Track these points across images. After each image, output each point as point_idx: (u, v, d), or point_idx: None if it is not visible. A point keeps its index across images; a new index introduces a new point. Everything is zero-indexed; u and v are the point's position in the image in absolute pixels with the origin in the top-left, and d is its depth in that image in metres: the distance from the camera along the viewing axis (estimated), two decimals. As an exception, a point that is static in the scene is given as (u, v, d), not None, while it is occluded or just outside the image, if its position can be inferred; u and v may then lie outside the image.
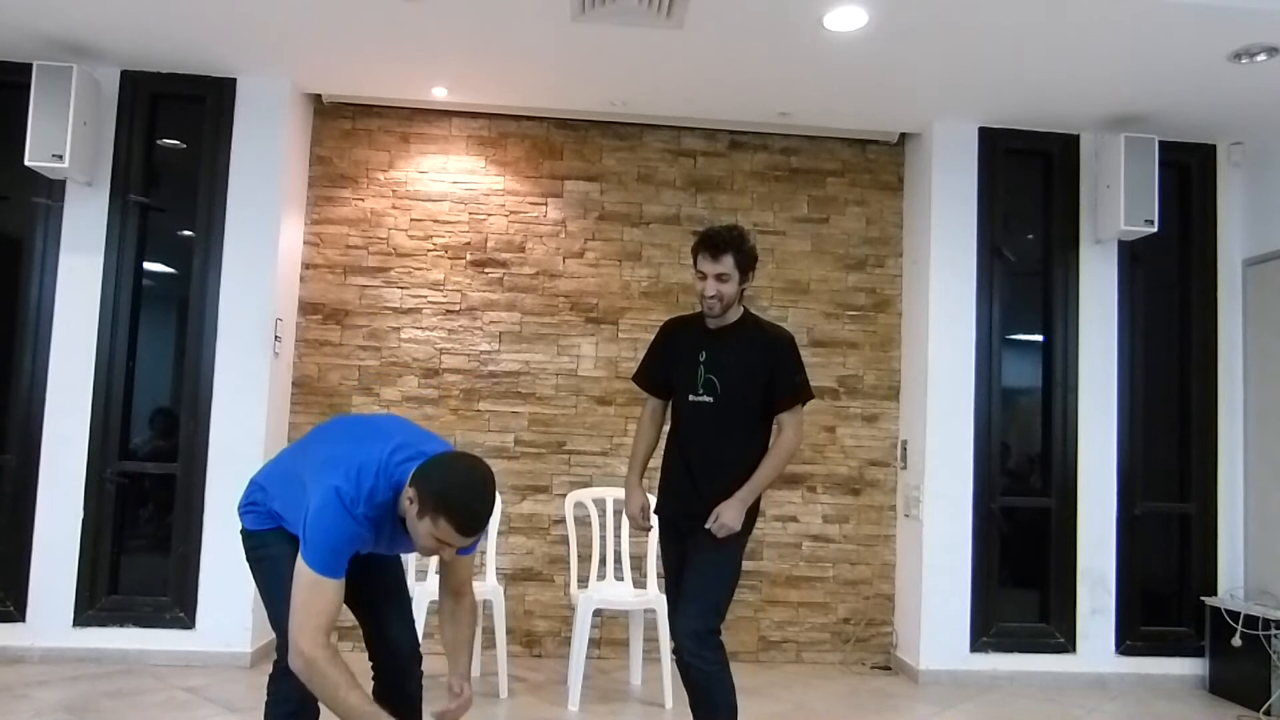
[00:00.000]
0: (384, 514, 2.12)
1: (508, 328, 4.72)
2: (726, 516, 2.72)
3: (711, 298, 2.78)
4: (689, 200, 4.87)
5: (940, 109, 4.49)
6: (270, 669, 2.33)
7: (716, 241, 2.78)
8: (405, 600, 2.47)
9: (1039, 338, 4.71)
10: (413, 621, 2.50)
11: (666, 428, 3.04)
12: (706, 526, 2.73)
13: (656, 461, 3.06)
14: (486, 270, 4.75)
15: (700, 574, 2.76)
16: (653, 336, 3.12)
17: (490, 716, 3.71)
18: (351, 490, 2.05)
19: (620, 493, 4.24)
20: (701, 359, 2.83)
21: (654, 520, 3.00)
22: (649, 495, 3.04)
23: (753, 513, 2.83)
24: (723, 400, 2.80)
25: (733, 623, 4.24)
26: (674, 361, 2.94)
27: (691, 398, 2.85)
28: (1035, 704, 4.19)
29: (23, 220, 4.25)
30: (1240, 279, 4.70)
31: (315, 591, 2.02)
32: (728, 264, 2.75)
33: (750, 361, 2.81)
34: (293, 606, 2.04)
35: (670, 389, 2.98)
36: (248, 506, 2.36)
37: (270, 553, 2.28)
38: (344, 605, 2.15)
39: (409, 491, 2.05)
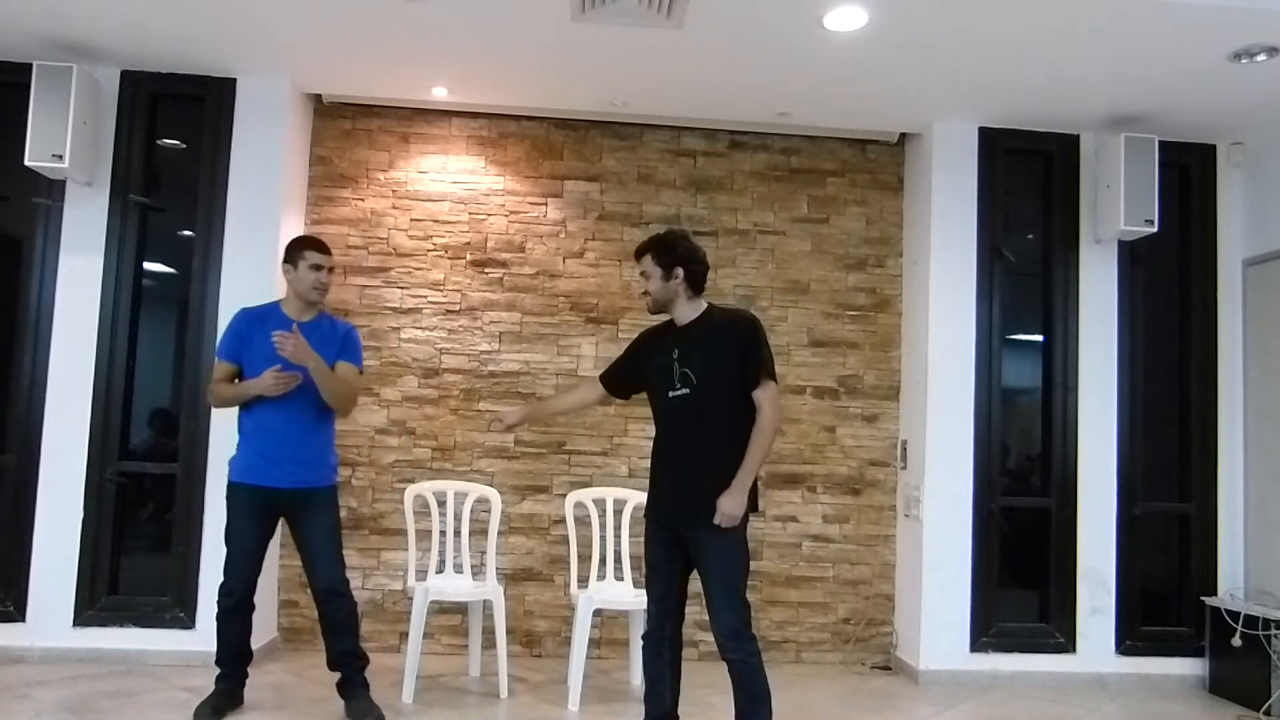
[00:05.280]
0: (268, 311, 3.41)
1: (508, 328, 4.72)
2: (726, 505, 2.80)
3: (643, 294, 3.10)
4: (689, 200, 4.87)
5: (940, 109, 4.49)
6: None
7: (639, 246, 3.10)
8: (327, 547, 3.37)
9: (1039, 338, 4.71)
10: (335, 564, 3.35)
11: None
12: (715, 522, 2.79)
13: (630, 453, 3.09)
14: (486, 270, 4.75)
15: (718, 572, 2.86)
16: None
17: (490, 716, 3.71)
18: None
19: (620, 492, 4.28)
20: (675, 356, 2.96)
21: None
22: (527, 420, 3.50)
23: (753, 499, 2.90)
24: (700, 389, 2.91)
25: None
26: (648, 365, 3.08)
27: (671, 394, 2.96)
28: (1035, 704, 4.18)
29: (23, 220, 4.24)
30: (1240, 279, 4.70)
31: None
32: (646, 263, 3.04)
33: (717, 347, 2.93)
34: None
35: (625, 389, 3.26)
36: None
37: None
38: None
39: (283, 268, 3.42)
